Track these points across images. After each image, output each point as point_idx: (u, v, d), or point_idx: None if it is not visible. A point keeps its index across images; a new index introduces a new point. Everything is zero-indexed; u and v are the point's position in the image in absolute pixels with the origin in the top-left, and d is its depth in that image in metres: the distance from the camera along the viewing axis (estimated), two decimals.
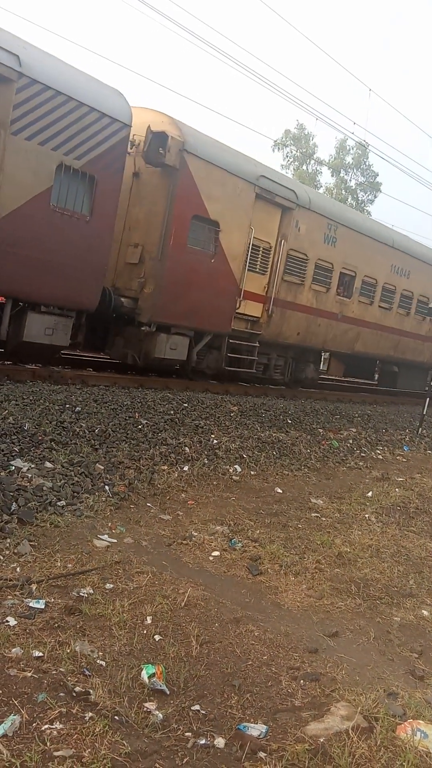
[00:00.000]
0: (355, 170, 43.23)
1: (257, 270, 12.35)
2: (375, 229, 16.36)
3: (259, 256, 12.34)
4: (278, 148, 42.14)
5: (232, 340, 12.21)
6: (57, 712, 2.72)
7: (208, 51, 79.05)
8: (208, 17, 55.26)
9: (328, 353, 17.46)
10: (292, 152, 42.46)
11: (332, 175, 43.26)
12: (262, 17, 67.15)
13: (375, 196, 43.70)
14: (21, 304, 8.85)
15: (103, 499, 5.72)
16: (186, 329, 11.22)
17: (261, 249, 12.34)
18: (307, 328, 14.15)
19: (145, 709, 2.92)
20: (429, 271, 18.43)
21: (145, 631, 3.62)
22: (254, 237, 11.96)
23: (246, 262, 11.90)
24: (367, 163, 42.66)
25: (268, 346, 13.38)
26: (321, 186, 41.47)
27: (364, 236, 15.26)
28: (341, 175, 43.11)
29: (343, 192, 42.54)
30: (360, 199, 43.27)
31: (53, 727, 2.63)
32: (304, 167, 42.44)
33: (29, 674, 2.96)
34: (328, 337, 14.97)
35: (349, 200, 41.55)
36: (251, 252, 11.97)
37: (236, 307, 12.00)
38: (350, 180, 43.49)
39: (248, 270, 12.02)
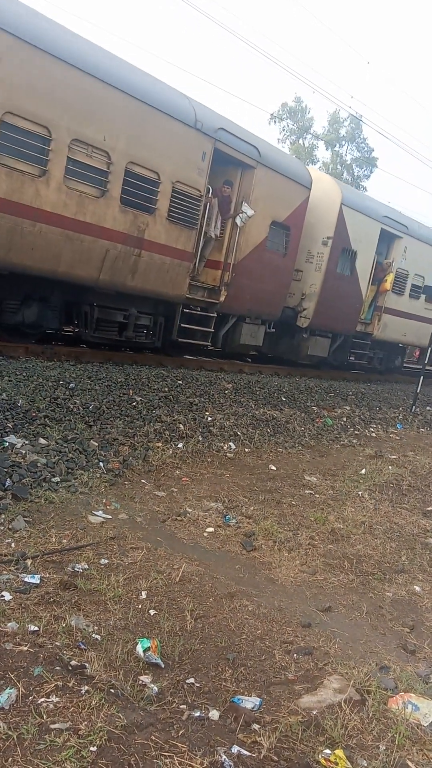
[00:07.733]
0: (350, 144, 42.72)
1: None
2: None
3: None
4: (274, 122, 41.57)
5: None
6: (53, 685, 2.74)
7: (204, 21, 77.38)
8: None
9: None
10: (288, 126, 41.90)
11: (327, 149, 42.78)
12: None
13: (371, 172, 43.30)
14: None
15: (98, 475, 5.72)
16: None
17: None
18: None
19: (140, 682, 2.95)
20: None
21: (140, 606, 3.65)
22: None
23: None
24: (361, 137, 42.16)
25: None
26: (318, 161, 41.00)
27: None
28: (336, 149, 42.62)
29: (339, 167, 42.08)
30: (356, 174, 42.84)
31: (49, 700, 2.65)
32: (301, 142, 41.91)
33: (25, 648, 2.98)
34: None
35: (344, 175, 41.12)
36: None
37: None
38: (345, 155, 43.01)
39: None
